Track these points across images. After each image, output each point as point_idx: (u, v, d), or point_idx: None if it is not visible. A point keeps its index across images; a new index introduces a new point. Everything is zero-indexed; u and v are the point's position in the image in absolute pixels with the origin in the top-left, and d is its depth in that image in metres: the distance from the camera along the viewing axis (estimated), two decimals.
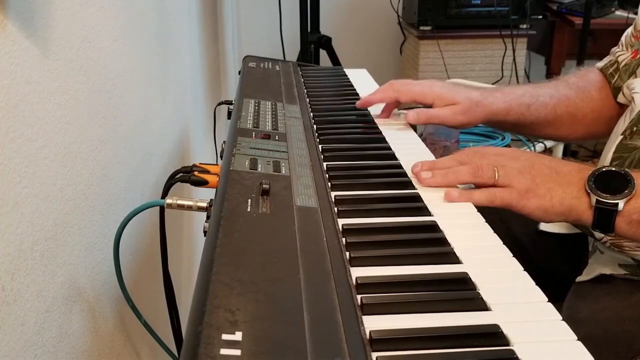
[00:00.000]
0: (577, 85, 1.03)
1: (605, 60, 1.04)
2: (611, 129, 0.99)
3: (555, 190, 0.69)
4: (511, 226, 0.96)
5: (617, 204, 0.66)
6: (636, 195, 0.66)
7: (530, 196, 0.69)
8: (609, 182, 0.67)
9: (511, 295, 0.52)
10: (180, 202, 0.67)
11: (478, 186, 0.73)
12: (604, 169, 0.68)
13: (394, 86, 1.00)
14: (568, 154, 2.45)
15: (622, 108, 0.99)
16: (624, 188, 0.66)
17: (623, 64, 0.97)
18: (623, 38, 1.00)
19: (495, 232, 0.63)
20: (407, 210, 0.67)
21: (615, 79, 0.99)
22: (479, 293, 0.51)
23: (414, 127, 1.00)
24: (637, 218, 0.66)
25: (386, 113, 1.02)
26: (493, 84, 2.32)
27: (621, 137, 0.83)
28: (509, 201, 0.70)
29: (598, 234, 0.81)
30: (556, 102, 1.01)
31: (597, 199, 0.67)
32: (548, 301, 0.51)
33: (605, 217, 0.67)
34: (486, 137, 2.18)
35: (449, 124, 0.98)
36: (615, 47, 1.02)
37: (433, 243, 0.60)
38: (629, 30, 0.99)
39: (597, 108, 1.01)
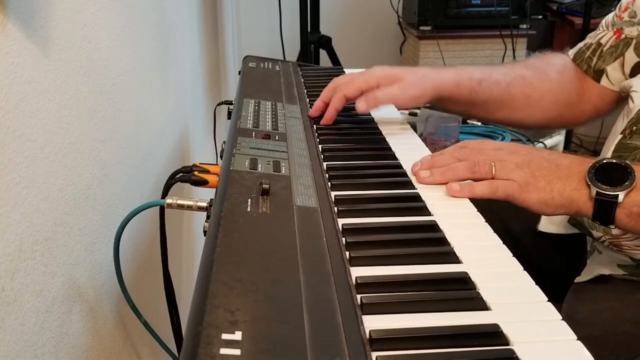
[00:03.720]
0: (536, 66, 1.01)
1: (580, 44, 1.01)
2: (572, 117, 0.98)
3: (555, 183, 0.69)
4: (511, 226, 0.96)
5: (617, 195, 0.66)
6: (636, 187, 0.66)
7: (531, 189, 0.69)
8: (610, 174, 0.67)
9: (511, 295, 0.52)
10: (180, 202, 0.67)
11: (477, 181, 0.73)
12: (604, 161, 0.68)
13: (338, 87, 0.94)
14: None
15: (588, 95, 0.97)
16: (625, 180, 0.66)
17: (608, 45, 0.95)
18: (604, 21, 0.97)
19: (494, 231, 0.63)
20: (407, 210, 0.67)
21: (594, 61, 0.97)
22: (478, 293, 0.51)
23: (413, 127, 0.99)
24: (636, 210, 0.66)
25: (331, 116, 0.93)
26: None
27: (620, 136, 0.83)
28: (511, 192, 0.70)
29: (596, 234, 0.81)
30: (510, 81, 0.98)
31: (597, 191, 0.67)
32: (548, 301, 0.51)
33: (605, 209, 0.67)
34: (486, 138, 2.17)
35: (401, 101, 0.93)
36: (594, 32, 0.99)
37: (433, 243, 0.60)
38: (612, 12, 0.97)
39: (555, 90, 0.99)
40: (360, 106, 0.90)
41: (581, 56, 1.00)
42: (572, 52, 1.03)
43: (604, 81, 0.96)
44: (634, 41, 0.91)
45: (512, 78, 0.98)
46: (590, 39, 1.00)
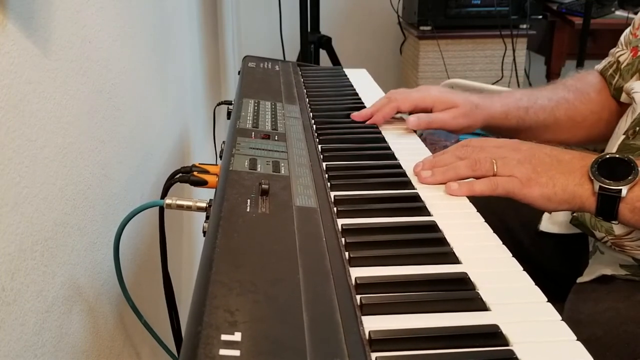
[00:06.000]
0: (576, 88, 1.02)
1: (604, 62, 1.03)
2: (612, 131, 0.99)
3: (558, 178, 0.69)
4: (511, 226, 0.96)
5: (621, 190, 0.66)
6: None
7: (532, 185, 0.69)
8: (613, 169, 0.67)
9: (510, 296, 0.52)
10: (179, 202, 0.67)
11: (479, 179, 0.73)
12: (607, 156, 0.68)
13: (392, 98, 0.98)
14: None
15: (622, 110, 0.98)
16: (628, 174, 0.66)
17: (625, 63, 0.96)
18: (622, 38, 0.99)
19: (495, 232, 0.63)
20: (406, 210, 0.67)
21: (616, 79, 0.98)
22: (478, 293, 0.51)
23: None
24: None
25: (377, 120, 0.97)
26: (493, 84, 2.32)
27: (623, 137, 0.83)
28: (511, 189, 0.70)
29: (599, 234, 0.81)
30: (555, 105, 1.00)
31: (600, 186, 0.66)
32: (547, 301, 0.51)
33: (608, 204, 0.67)
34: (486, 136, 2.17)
35: (450, 128, 0.96)
36: (615, 48, 1.01)
37: (432, 243, 0.60)
38: (628, 29, 0.98)
39: (596, 110, 1.00)
40: (412, 122, 0.95)
41: (605, 74, 1.01)
42: (598, 68, 1.04)
43: (623, 98, 0.96)
44: None
45: (555, 102, 1.00)
46: (612, 56, 1.01)
